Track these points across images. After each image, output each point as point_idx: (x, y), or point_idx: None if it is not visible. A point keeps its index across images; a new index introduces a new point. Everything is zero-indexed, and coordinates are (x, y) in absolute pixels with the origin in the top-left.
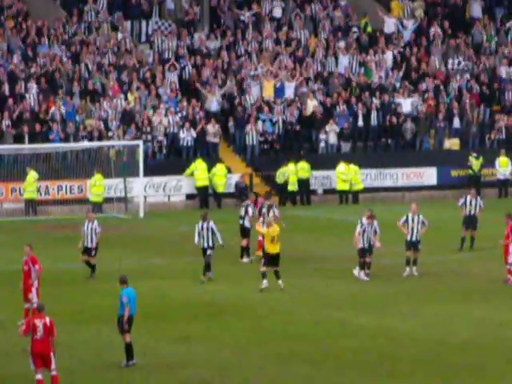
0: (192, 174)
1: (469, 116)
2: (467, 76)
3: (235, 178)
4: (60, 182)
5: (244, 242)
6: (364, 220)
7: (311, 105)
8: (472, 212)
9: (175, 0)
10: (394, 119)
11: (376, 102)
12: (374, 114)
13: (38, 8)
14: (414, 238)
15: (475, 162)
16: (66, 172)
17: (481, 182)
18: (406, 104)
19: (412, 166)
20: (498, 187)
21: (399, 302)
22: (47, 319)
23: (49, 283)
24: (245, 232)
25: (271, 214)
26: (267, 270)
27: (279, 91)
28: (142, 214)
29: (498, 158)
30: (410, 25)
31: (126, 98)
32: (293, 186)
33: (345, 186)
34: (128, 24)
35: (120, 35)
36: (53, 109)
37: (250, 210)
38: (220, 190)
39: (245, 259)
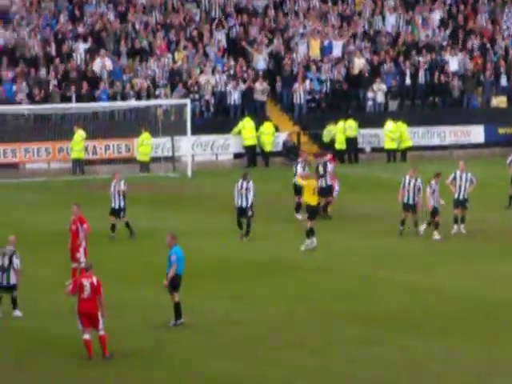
0: (239, 133)
1: None
2: None
3: (283, 136)
4: (107, 141)
5: (299, 199)
6: (407, 177)
7: (358, 63)
8: None
9: None
10: (442, 77)
11: (423, 60)
12: (421, 72)
13: None
14: (461, 196)
15: None
16: (114, 131)
17: None
18: (453, 62)
19: (459, 124)
20: None
21: (447, 260)
22: (94, 278)
23: (96, 243)
24: (297, 189)
25: (321, 169)
26: (312, 225)
27: (326, 50)
28: (189, 173)
29: None
30: None
31: (173, 57)
32: (340, 145)
33: (393, 145)
34: None
35: None
36: (100, 67)
37: (299, 168)
38: (268, 148)
39: (299, 216)
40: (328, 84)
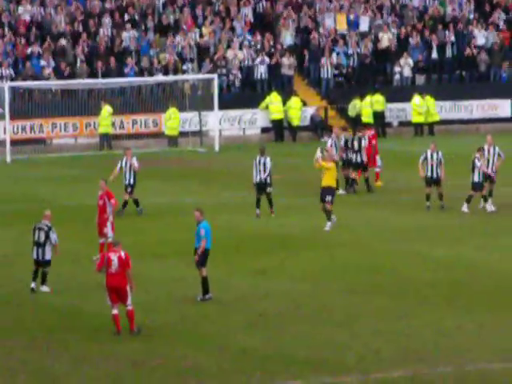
0: (267, 107)
1: None
2: None
3: (310, 111)
4: (135, 116)
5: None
6: (429, 151)
7: (385, 38)
8: None
9: None
10: (469, 51)
11: (450, 34)
12: (448, 47)
13: None
14: (490, 170)
15: None
16: (141, 106)
17: None
18: (480, 36)
19: (487, 98)
20: None
21: (475, 234)
22: (122, 253)
23: (124, 218)
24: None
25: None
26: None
27: (353, 24)
28: (217, 148)
29: None
30: None
31: (200, 32)
32: (368, 119)
33: (420, 119)
34: None
35: None
36: (127, 42)
37: (329, 142)
38: (295, 123)
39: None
40: (355, 58)
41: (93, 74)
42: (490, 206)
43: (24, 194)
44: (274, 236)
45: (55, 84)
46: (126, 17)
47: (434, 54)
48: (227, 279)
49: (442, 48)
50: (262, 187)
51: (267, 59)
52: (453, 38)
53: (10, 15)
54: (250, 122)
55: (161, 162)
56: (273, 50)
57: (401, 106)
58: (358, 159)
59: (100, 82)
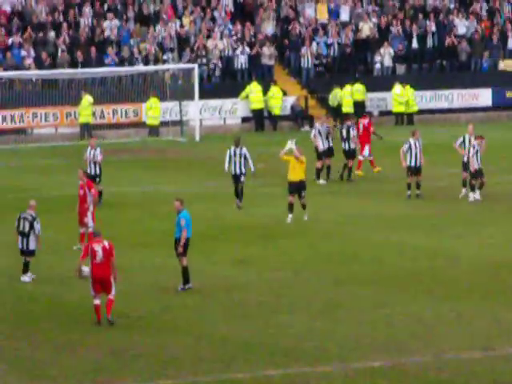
0: (247, 97)
1: None
2: None
3: (290, 100)
4: (115, 105)
5: (318, 164)
6: (411, 139)
7: (366, 27)
8: None
9: None
10: (449, 40)
11: (431, 23)
12: (429, 36)
13: None
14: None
15: None
16: (121, 96)
17: None
18: (461, 25)
19: (467, 88)
20: None
21: (455, 224)
22: (106, 242)
23: (104, 207)
24: (320, 154)
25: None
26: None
27: (334, 14)
28: (197, 138)
29: None
30: None
31: (180, 22)
32: (348, 108)
33: (400, 108)
34: None
35: None
36: (107, 32)
37: (313, 132)
38: (276, 112)
39: (321, 181)
40: (335, 48)
41: (73, 64)
42: (475, 195)
43: (5, 184)
44: (255, 226)
45: (36, 74)
46: (106, 7)
47: (415, 44)
48: (208, 269)
49: (422, 38)
50: (238, 178)
51: (247, 49)
52: (433, 28)
53: None
54: (231, 111)
55: (141, 151)
56: (253, 39)
57: (381, 95)
58: (347, 147)
59: (80, 71)
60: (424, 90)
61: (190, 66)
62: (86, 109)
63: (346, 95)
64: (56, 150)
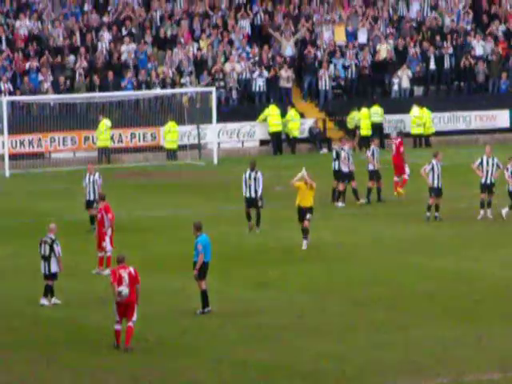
0: (265, 120)
1: None
2: None
3: (308, 123)
4: (133, 129)
5: (340, 187)
6: (433, 160)
7: (383, 49)
8: None
9: None
10: (467, 62)
11: (448, 45)
12: (446, 58)
13: None
14: (488, 181)
15: None
16: (139, 120)
17: None
18: (478, 47)
19: (485, 109)
20: None
21: (474, 245)
22: (131, 268)
23: (122, 231)
24: (337, 176)
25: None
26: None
27: (351, 36)
28: (215, 161)
29: None
30: None
31: (198, 45)
32: (366, 131)
33: (419, 130)
34: None
35: None
36: (125, 56)
37: (342, 154)
38: (294, 135)
39: (340, 203)
40: (353, 70)
41: (91, 88)
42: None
43: (23, 208)
44: (274, 249)
45: (53, 98)
46: (124, 31)
47: (432, 65)
48: (227, 292)
49: (440, 59)
50: (251, 202)
51: (265, 72)
52: (451, 50)
53: (7, 30)
54: (249, 134)
55: (160, 175)
56: (271, 62)
57: (399, 117)
58: (345, 169)
59: (98, 95)
60: (442, 111)
61: (207, 89)
62: (104, 133)
63: (364, 118)
64: (74, 174)
